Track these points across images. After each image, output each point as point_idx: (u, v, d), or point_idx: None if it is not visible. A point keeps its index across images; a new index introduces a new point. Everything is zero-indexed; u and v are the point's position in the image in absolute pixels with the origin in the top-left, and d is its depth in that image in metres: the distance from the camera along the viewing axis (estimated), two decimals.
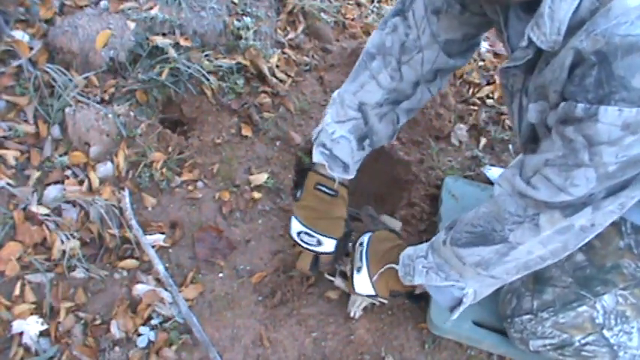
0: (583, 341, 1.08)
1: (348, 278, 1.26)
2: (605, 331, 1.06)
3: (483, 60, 1.99)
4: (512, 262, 0.98)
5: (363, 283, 1.20)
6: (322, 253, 1.23)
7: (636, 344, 1.07)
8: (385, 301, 1.27)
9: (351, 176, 1.23)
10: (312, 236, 1.21)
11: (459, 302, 1.08)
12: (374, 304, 1.32)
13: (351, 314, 1.31)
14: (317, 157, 1.19)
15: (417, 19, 1.09)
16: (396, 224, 1.43)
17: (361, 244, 1.24)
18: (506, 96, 1.02)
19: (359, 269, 1.21)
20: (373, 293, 1.20)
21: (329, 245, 1.21)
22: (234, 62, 1.68)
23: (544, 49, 0.82)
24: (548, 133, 0.86)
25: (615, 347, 1.07)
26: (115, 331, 1.24)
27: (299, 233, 1.22)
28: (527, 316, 1.13)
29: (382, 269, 1.19)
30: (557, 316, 1.09)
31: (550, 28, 0.79)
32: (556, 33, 0.79)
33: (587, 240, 0.92)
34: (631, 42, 0.68)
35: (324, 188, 1.21)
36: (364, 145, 1.21)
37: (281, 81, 1.75)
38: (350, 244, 1.29)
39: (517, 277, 1.03)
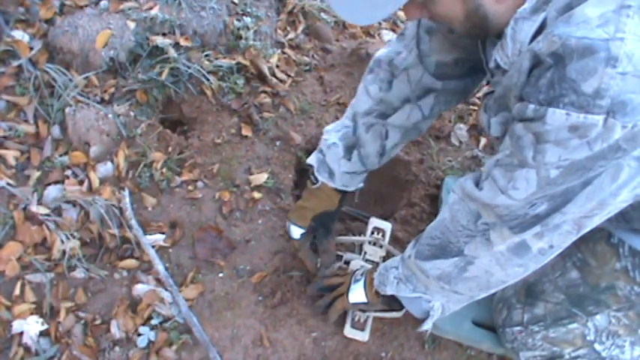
0: (574, 354, 1.08)
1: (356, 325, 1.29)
2: (596, 345, 1.06)
3: None
4: (472, 281, 0.98)
5: (358, 292, 1.22)
6: (293, 239, 1.32)
7: (629, 357, 1.06)
8: (397, 315, 1.25)
9: (337, 185, 1.25)
10: (288, 224, 1.32)
11: (428, 315, 1.10)
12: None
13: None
14: (311, 159, 1.28)
15: (407, 39, 1.13)
16: (386, 226, 1.43)
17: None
18: (483, 120, 1.00)
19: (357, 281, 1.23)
20: (366, 300, 1.20)
21: (295, 232, 1.30)
22: (234, 62, 1.68)
23: (504, 68, 0.83)
24: None
25: None
26: (115, 331, 1.24)
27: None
28: (518, 328, 1.13)
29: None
30: (548, 330, 1.08)
31: (512, 49, 0.80)
32: (516, 54, 0.79)
33: (546, 262, 0.91)
34: (586, 44, 0.67)
35: (312, 177, 1.28)
36: (352, 155, 1.22)
37: (281, 81, 1.75)
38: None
39: (482, 295, 1.03)
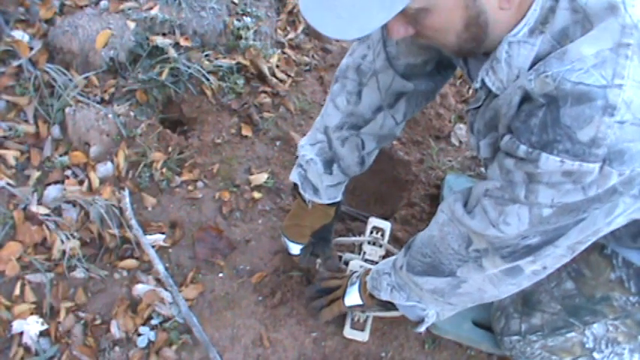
0: None
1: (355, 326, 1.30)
2: (595, 354, 1.06)
3: None
4: (466, 296, 0.98)
5: (354, 295, 1.22)
6: (292, 255, 1.33)
7: None
8: (397, 314, 1.23)
9: (323, 201, 1.21)
10: (284, 240, 1.33)
11: (423, 320, 1.10)
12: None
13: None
14: (293, 176, 1.23)
15: (373, 43, 1.06)
16: (386, 225, 1.43)
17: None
18: (471, 136, 0.95)
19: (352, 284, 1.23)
20: (361, 302, 1.20)
21: (294, 249, 1.32)
22: (234, 62, 1.69)
23: (496, 93, 0.79)
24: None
25: None
26: (115, 331, 1.24)
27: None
28: (516, 337, 1.13)
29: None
30: (546, 339, 1.08)
31: (508, 75, 0.75)
32: (513, 80, 0.75)
33: (539, 279, 0.91)
34: (582, 91, 0.64)
35: (300, 194, 1.24)
36: (332, 169, 1.18)
37: (281, 81, 1.75)
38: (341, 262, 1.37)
39: (477, 304, 1.03)
